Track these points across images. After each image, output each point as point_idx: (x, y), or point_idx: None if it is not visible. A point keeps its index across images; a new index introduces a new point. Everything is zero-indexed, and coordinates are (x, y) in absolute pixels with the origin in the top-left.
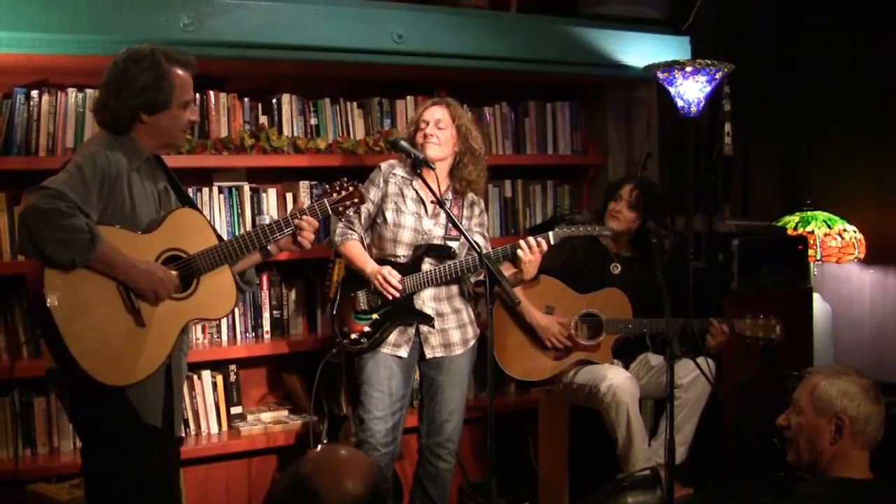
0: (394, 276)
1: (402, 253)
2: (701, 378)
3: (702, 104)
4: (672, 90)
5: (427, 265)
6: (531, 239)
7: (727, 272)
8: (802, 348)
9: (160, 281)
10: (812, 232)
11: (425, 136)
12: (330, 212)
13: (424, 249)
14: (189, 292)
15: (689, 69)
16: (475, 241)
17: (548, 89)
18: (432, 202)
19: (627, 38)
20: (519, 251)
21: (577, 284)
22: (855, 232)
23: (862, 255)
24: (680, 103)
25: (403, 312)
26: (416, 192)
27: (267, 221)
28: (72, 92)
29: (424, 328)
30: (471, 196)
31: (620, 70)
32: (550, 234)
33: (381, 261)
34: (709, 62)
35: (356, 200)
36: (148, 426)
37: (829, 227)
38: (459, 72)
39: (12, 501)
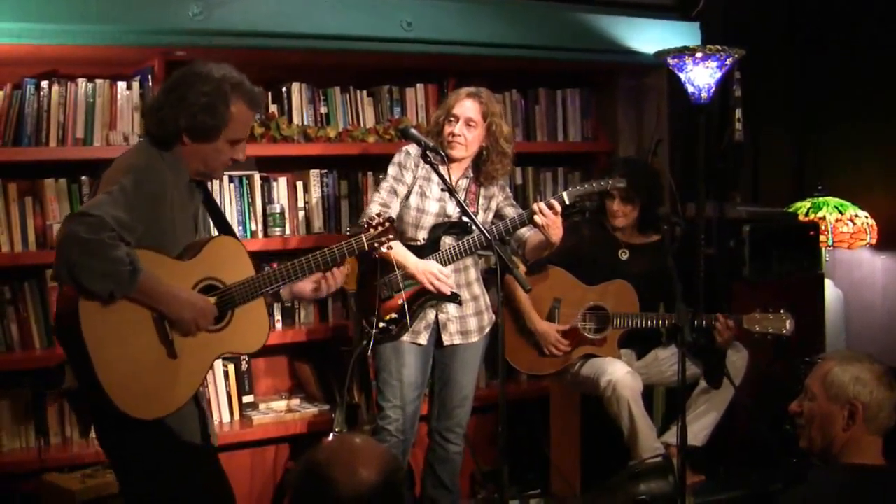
0: (445, 273)
1: (422, 237)
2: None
3: (712, 90)
4: (682, 76)
5: (446, 244)
6: (542, 203)
7: (738, 259)
8: (814, 335)
9: (201, 311)
10: (823, 218)
11: (453, 136)
12: (366, 248)
13: (436, 229)
14: (223, 324)
15: (699, 55)
16: (481, 223)
17: (558, 76)
18: (442, 190)
19: (637, 24)
20: (536, 217)
21: (585, 273)
22: (867, 217)
23: (874, 241)
24: (690, 89)
25: (427, 294)
26: (443, 175)
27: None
28: (82, 82)
29: (443, 316)
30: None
31: (630, 56)
32: (564, 193)
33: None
34: (719, 48)
35: (391, 237)
36: (189, 449)
37: (840, 212)
38: (469, 59)
39: (26, 491)
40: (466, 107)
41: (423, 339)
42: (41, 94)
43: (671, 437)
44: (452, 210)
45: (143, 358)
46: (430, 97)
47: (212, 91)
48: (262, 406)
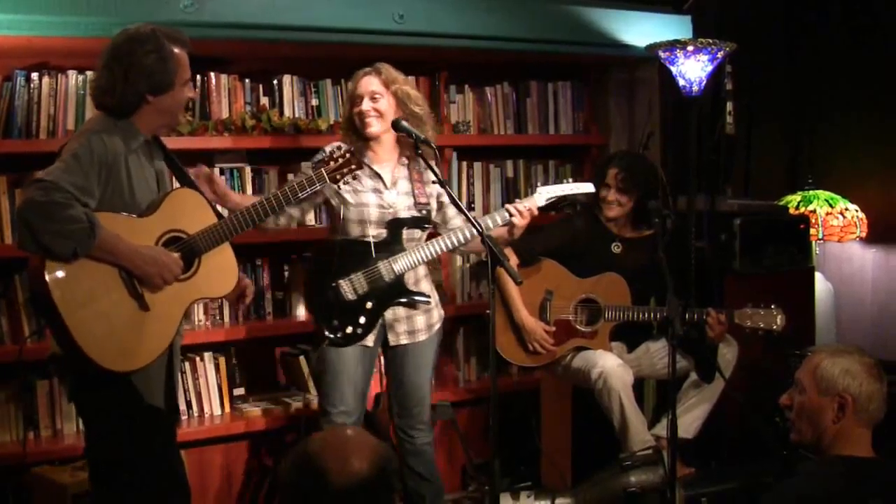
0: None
1: (373, 232)
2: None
3: (703, 83)
4: (674, 69)
5: (408, 241)
6: (520, 206)
7: (729, 252)
8: (804, 328)
9: (165, 265)
10: (814, 211)
11: (361, 114)
12: (328, 180)
13: (398, 224)
14: (191, 273)
15: (690, 48)
16: (476, 220)
17: (549, 69)
18: (434, 183)
19: (629, 17)
20: (513, 219)
21: (577, 265)
22: (857, 211)
23: (864, 234)
24: (682, 82)
25: (396, 294)
26: (370, 168)
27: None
28: (72, 74)
29: (390, 315)
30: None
31: (622, 49)
32: (536, 197)
33: (353, 243)
34: (710, 41)
35: (353, 167)
36: (153, 409)
37: (830, 206)
38: (461, 52)
39: (16, 484)
40: (366, 82)
41: (371, 341)
42: (31, 85)
43: (662, 429)
44: (392, 198)
45: (116, 314)
46: (422, 90)
47: (154, 47)
48: (252, 398)
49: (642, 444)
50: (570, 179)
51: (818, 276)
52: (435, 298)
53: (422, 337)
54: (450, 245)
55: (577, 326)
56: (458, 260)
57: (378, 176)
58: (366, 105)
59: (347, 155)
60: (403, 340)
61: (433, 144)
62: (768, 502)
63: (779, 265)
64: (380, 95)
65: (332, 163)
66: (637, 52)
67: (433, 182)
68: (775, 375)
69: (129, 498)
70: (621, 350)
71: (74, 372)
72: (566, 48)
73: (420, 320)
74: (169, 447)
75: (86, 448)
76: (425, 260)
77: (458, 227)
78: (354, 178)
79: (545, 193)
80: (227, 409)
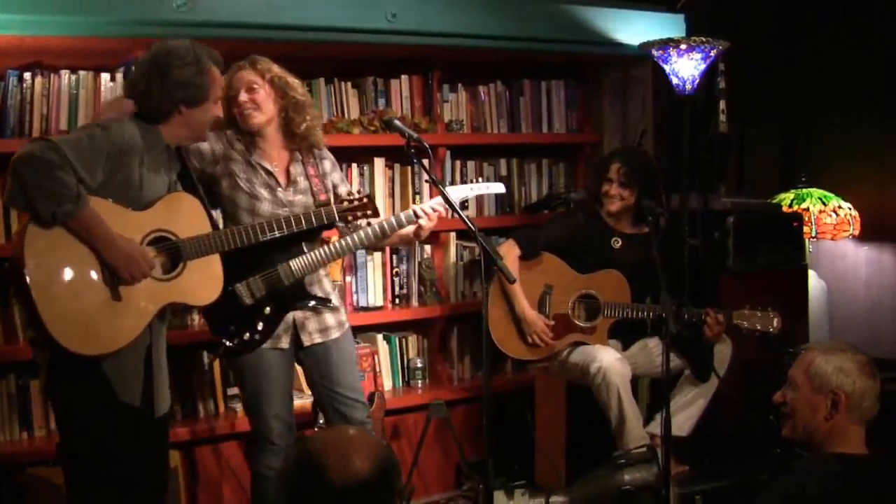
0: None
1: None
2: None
3: (696, 82)
4: (667, 68)
5: (306, 241)
6: (427, 207)
7: (723, 250)
8: (798, 325)
9: (136, 262)
10: (807, 209)
11: (240, 106)
12: (336, 219)
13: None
14: (173, 275)
15: (683, 47)
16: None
17: (543, 68)
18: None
19: (623, 16)
20: (422, 221)
21: (578, 261)
22: (850, 209)
23: (857, 232)
24: (675, 81)
25: (296, 297)
26: (261, 165)
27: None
28: (65, 74)
29: (300, 315)
30: (316, 152)
31: (616, 48)
32: (444, 199)
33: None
34: (703, 39)
35: (368, 213)
36: (126, 406)
37: (823, 203)
38: (454, 51)
39: (10, 485)
40: (240, 77)
41: (286, 343)
42: (24, 85)
43: (656, 427)
44: (290, 197)
45: (86, 296)
46: (415, 88)
47: (192, 60)
48: None
49: (638, 441)
50: (481, 179)
51: (811, 273)
52: (338, 298)
53: (335, 334)
54: (353, 245)
55: (576, 321)
56: (452, 258)
57: (270, 174)
58: (242, 97)
59: (365, 199)
60: (317, 339)
61: (321, 136)
62: (764, 501)
63: (772, 263)
64: (257, 86)
65: (344, 203)
66: (630, 51)
67: (326, 174)
68: (769, 373)
69: (103, 499)
70: (617, 348)
71: (47, 363)
72: (560, 47)
73: (330, 318)
74: (154, 447)
75: (59, 445)
76: (326, 261)
77: (359, 226)
78: (251, 166)
79: (455, 195)
80: (222, 408)
